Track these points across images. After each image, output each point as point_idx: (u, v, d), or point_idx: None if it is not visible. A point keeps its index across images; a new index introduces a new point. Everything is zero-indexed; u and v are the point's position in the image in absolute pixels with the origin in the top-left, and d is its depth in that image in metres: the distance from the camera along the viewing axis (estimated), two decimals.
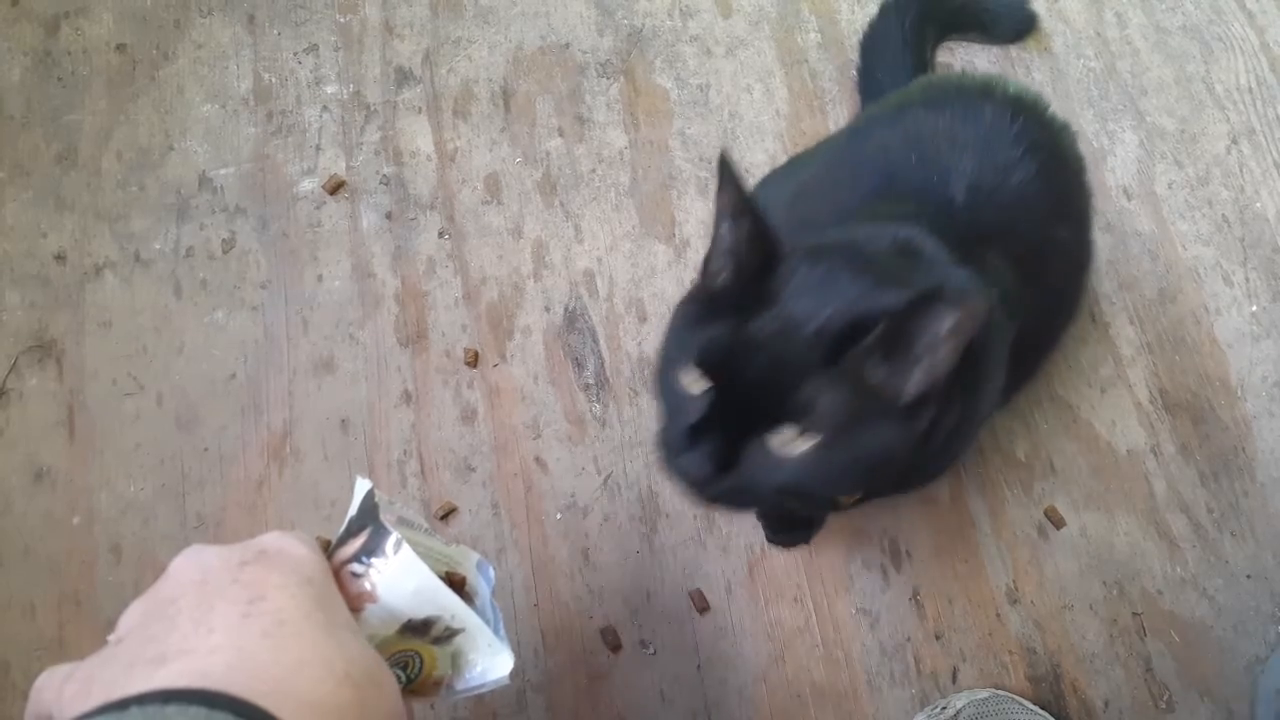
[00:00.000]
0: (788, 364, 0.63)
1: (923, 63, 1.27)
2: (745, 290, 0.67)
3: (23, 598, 1.10)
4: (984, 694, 1.06)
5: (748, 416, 0.64)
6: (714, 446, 0.65)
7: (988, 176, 0.86)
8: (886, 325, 0.61)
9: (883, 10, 1.29)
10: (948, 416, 0.71)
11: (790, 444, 0.64)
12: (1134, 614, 1.13)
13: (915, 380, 0.64)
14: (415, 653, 0.58)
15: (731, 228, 0.67)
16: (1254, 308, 1.26)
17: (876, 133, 1.00)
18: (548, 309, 1.24)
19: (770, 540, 1.14)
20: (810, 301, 0.65)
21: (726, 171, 0.66)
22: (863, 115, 1.17)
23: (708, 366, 0.66)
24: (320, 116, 1.33)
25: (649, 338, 1.22)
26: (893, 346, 0.62)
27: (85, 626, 1.09)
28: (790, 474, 0.65)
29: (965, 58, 1.38)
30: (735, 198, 0.66)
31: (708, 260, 0.72)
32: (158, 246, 1.26)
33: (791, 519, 1.13)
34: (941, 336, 0.61)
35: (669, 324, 0.75)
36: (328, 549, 0.59)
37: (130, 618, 0.51)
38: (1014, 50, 1.39)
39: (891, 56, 1.26)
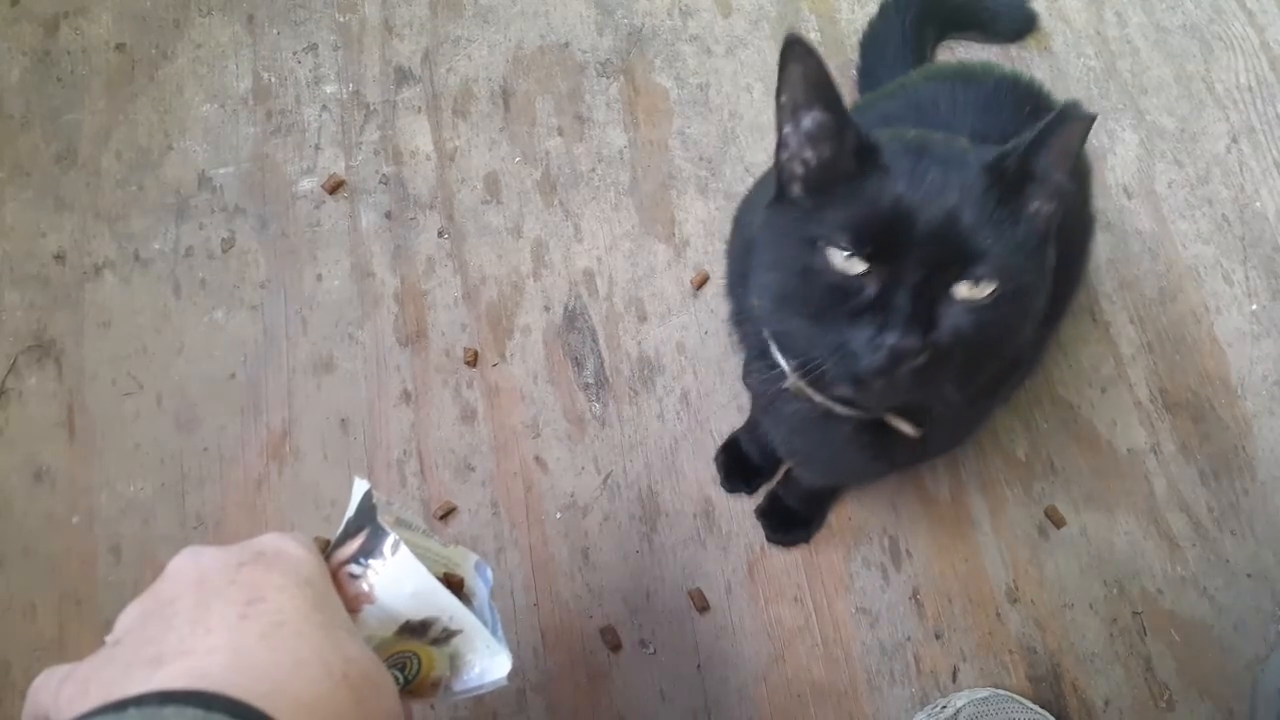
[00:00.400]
0: (952, 216, 0.62)
1: (923, 61, 1.27)
2: (850, 171, 0.65)
3: (23, 597, 1.10)
4: (984, 693, 1.06)
5: (924, 277, 0.62)
6: (909, 312, 0.62)
7: (991, 130, 0.85)
8: (1023, 154, 0.63)
9: (883, 9, 1.29)
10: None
11: (975, 290, 0.63)
12: (1134, 613, 1.13)
13: (1050, 199, 0.66)
14: (413, 654, 0.58)
15: (821, 112, 0.65)
16: (1254, 306, 1.25)
17: (879, 104, 1.00)
18: (547, 308, 1.24)
19: (770, 539, 1.14)
20: (933, 162, 0.64)
21: (802, 52, 0.63)
22: (863, 99, 1.17)
23: (868, 240, 0.63)
24: (319, 116, 1.33)
25: (649, 337, 1.22)
26: (1027, 175, 0.64)
27: (85, 626, 1.09)
28: (980, 322, 0.64)
29: (964, 57, 1.38)
30: (823, 80, 0.63)
31: (782, 162, 0.69)
32: (157, 246, 1.26)
33: (791, 517, 1.13)
34: (1071, 148, 0.63)
35: (761, 240, 0.72)
36: (327, 549, 0.59)
37: (127, 619, 0.51)
38: (1014, 49, 1.39)
39: (892, 55, 1.26)
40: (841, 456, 0.87)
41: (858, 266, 0.63)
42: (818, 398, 0.75)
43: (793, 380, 0.75)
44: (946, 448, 0.89)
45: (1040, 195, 0.65)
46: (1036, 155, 0.63)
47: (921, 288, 0.62)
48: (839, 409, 0.76)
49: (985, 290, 0.63)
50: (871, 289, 0.63)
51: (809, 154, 0.67)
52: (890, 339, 0.61)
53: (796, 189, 0.69)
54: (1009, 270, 0.63)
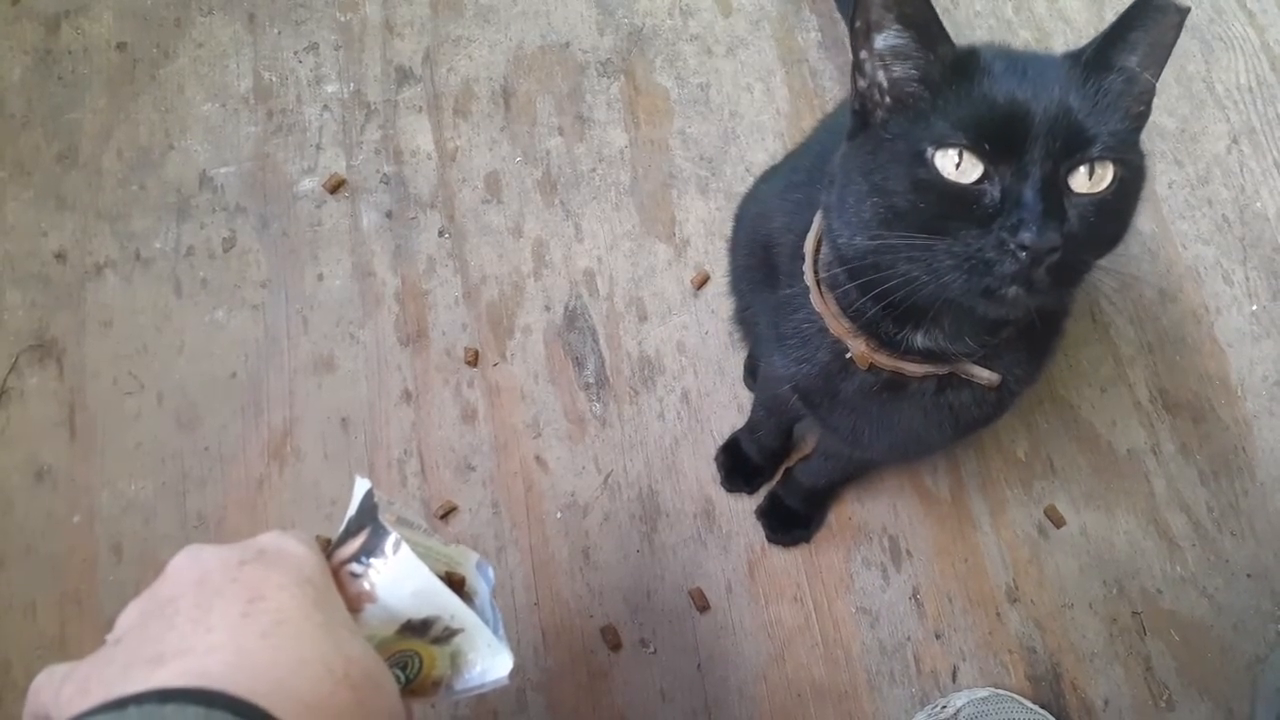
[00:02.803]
0: (1064, 104, 0.61)
1: None
2: (945, 83, 0.63)
3: (24, 597, 1.10)
4: (984, 693, 1.06)
5: (1048, 171, 0.61)
6: (1042, 207, 0.59)
7: None
8: (1101, 45, 0.62)
9: None
10: None
11: (1092, 181, 0.62)
12: (1134, 613, 1.13)
13: (1139, 101, 0.65)
14: (414, 653, 0.58)
15: (900, 32, 0.63)
16: (1254, 307, 1.25)
17: None
18: (548, 308, 1.24)
19: (770, 539, 1.14)
20: (1027, 62, 0.64)
21: None
22: None
23: (986, 136, 0.61)
24: (320, 115, 1.34)
25: (649, 337, 1.22)
26: (1110, 69, 0.63)
27: (86, 625, 1.09)
28: (1103, 213, 0.63)
29: None
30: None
31: (860, 90, 0.66)
32: (158, 245, 1.26)
33: (791, 517, 1.13)
34: (1162, 43, 0.64)
35: (846, 175, 0.68)
36: (328, 548, 0.59)
37: (128, 617, 0.51)
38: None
39: None
40: (909, 426, 0.83)
41: (973, 171, 0.61)
42: (887, 362, 0.73)
43: (857, 347, 0.74)
44: (1013, 398, 0.85)
45: (1129, 93, 0.64)
46: (1117, 48, 0.63)
47: (1047, 181, 0.61)
48: (910, 368, 0.74)
49: (1104, 180, 0.62)
50: (994, 191, 0.61)
51: (887, 75, 0.65)
52: (1027, 237, 0.59)
53: (881, 114, 0.66)
54: (1121, 154, 0.63)
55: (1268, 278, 1.27)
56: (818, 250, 0.76)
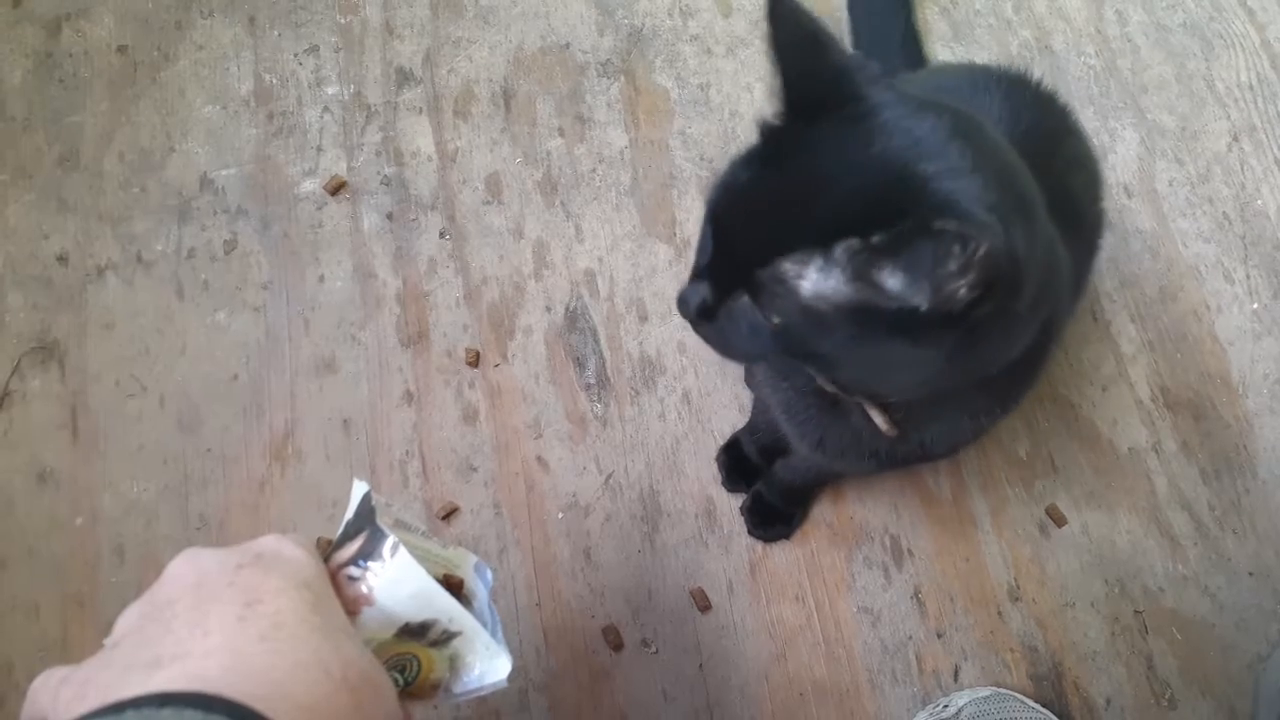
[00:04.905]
0: (778, 229, 0.57)
1: (912, 34, 1.31)
2: (787, 137, 0.61)
3: (26, 598, 1.11)
4: (986, 692, 1.06)
5: (735, 272, 0.60)
6: (702, 292, 0.63)
7: (1005, 118, 0.81)
8: (891, 235, 0.51)
9: None
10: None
11: (755, 313, 0.59)
12: (1135, 612, 1.13)
13: (917, 298, 0.52)
14: (413, 656, 0.58)
15: (777, 61, 0.59)
16: (1255, 305, 1.25)
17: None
18: (549, 309, 1.24)
19: (751, 534, 1.14)
20: (844, 162, 0.57)
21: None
22: None
23: (711, 211, 0.62)
24: (321, 117, 1.34)
25: (650, 337, 1.23)
26: (894, 254, 0.51)
27: (88, 627, 1.09)
28: (759, 345, 0.60)
29: (964, 56, 1.38)
30: (788, 21, 0.57)
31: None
32: (160, 248, 1.26)
33: (772, 512, 1.13)
34: (951, 273, 0.50)
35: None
36: (329, 549, 0.59)
37: (127, 621, 0.51)
38: (1014, 49, 1.39)
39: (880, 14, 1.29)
40: (843, 439, 0.83)
41: (702, 231, 0.65)
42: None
43: None
44: (932, 453, 0.82)
45: (913, 284, 0.52)
46: (906, 247, 0.51)
47: (726, 277, 0.62)
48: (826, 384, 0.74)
49: (771, 319, 0.59)
50: (704, 255, 0.64)
51: (790, 91, 0.62)
52: (683, 297, 0.63)
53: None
54: (812, 321, 0.57)
55: (1268, 276, 1.27)
56: None
